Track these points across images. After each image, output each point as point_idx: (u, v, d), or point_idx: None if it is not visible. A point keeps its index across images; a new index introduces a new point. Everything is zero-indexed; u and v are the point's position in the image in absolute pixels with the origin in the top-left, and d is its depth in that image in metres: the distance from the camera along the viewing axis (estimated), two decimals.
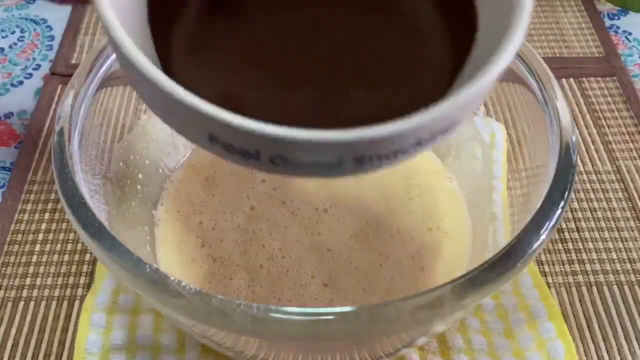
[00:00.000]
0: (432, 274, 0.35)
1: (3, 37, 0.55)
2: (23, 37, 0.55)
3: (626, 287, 0.39)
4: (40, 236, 0.41)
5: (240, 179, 0.40)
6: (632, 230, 0.42)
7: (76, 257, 0.40)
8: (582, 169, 0.45)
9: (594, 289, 0.39)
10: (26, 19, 0.57)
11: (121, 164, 0.37)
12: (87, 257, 0.40)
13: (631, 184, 0.44)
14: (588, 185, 0.44)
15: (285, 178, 0.40)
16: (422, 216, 0.38)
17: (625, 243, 0.41)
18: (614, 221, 0.42)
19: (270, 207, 0.38)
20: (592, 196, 0.44)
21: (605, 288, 0.39)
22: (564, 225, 0.42)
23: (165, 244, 0.37)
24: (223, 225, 0.38)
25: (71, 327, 0.37)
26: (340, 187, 0.40)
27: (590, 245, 0.41)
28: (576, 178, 0.38)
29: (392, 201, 0.39)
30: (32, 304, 0.38)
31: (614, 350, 0.36)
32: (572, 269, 0.40)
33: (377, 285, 0.35)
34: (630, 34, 0.56)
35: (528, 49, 0.34)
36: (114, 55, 0.34)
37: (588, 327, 0.37)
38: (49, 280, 0.39)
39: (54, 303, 0.38)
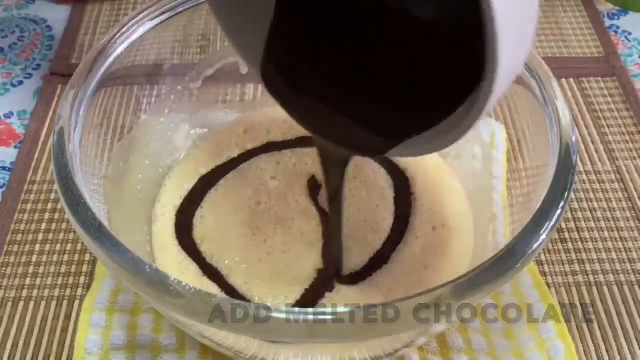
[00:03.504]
0: (435, 273, 0.35)
1: (3, 37, 0.55)
2: (23, 37, 0.55)
3: (626, 287, 0.39)
4: (40, 236, 0.41)
5: (246, 175, 0.40)
6: (632, 230, 0.42)
7: (76, 257, 0.40)
8: (582, 169, 0.45)
9: (594, 289, 0.39)
10: (26, 19, 0.57)
11: (121, 163, 0.37)
12: (87, 257, 0.40)
13: (631, 184, 0.44)
14: (588, 185, 0.44)
15: (296, 177, 0.40)
16: (427, 215, 0.38)
17: (625, 243, 0.41)
18: (614, 221, 0.42)
19: (278, 203, 0.38)
20: (592, 196, 0.44)
21: (605, 288, 0.39)
22: (563, 225, 0.42)
23: (162, 241, 0.37)
24: (226, 220, 0.38)
25: (71, 327, 0.37)
26: (347, 185, 0.39)
27: (590, 245, 0.41)
28: (576, 178, 0.38)
29: (397, 200, 0.39)
30: (32, 304, 0.38)
31: (613, 350, 0.36)
32: (572, 269, 0.40)
33: (380, 285, 0.35)
34: (630, 34, 0.56)
35: None
36: (113, 55, 0.34)
37: (588, 327, 0.37)
38: (49, 280, 0.39)
39: (54, 303, 0.38)
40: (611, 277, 0.39)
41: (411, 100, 0.25)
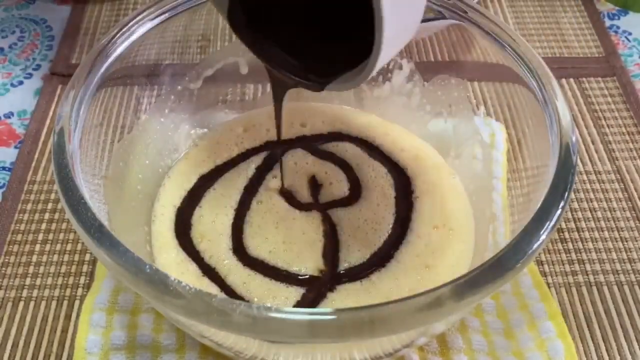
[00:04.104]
0: (436, 272, 0.35)
1: (3, 37, 0.55)
2: (23, 37, 0.55)
3: (626, 287, 0.39)
4: (40, 236, 0.41)
5: (246, 175, 0.40)
6: (632, 230, 0.42)
7: (76, 257, 0.40)
8: (582, 169, 0.45)
9: (594, 289, 0.39)
10: (26, 19, 0.57)
11: (121, 163, 0.37)
12: (87, 257, 0.40)
13: (631, 184, 0.44)
14: (588, 185, 0.44)
15: (297, 176, 0.40)
16: (429, 214, 0.38)
17: (625, 243, 0.41)
18: (614, 221, 0.42)
19: (279, 202, 0.38)
20: (592, 196, 0.44)
21: (605, 288, 0.39)
22: (563, 225, 0.42)
23: (161, 241, 0.37)
24: (224, 219, 0.38)
25: (71, 327, 0.37)
26: (347, 185, 0.40)
27: (590, 245, 0.41)
28: (576, 178, 0.38)
29: (397, 199, 0.39)
30: (32, 304, 0.38)
31: (613, 350, 0.36)
32: (572, 269, 0.40)
33: (381, 285, 0.35)
34: (630, 33, 0.56)
35: (528, 48, 0.34)
36: (113, 56, 0.34)
37: (588, 327, 0.37)
38: (49, 280, 0.39)
39: (54, 303, 0.38)
40: (611, 277, 0.39)
41: (331, 52, 0.32)
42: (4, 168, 0.45)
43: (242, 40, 0.34)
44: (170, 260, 0.36)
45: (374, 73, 0.28)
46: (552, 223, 0.28)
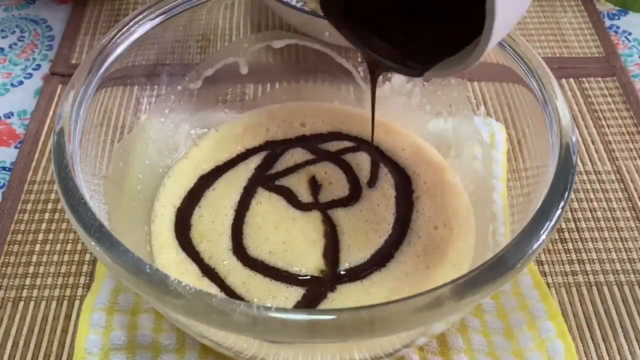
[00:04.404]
0: (437, 272, 0.35)
1: (3, 37, 0.55)
2: (23, 37, 0.55)
3: (626, 287, 0.39)
4: (40, 236, 0.41)
5: (246, 175, 0.40)
6: (632, 230, 0.42)
7: (76, 257, 0.40)
8: (582, 169, 0.45)
9: (594, 288, 0.39)
10: (26, 19, 0.57)
11: (121, 163, 0.37)
12: (87, 257, 0.40)
13: (631, 184, 0.44)
14: (588, 185, 0.44)
15: (297, 176, 0.40)
16: (429, 214, 0.38)
17: (625, 243, 0.41)
18: (614, 221, 0.42)
19: (279, 203, 0.38)
20: (592, 196, 0.44)
21: (605, 288, 0.39)
22: (563, 225, 0.42)
23: (161, 240, 0.37)
24: (224, 220, 0.38)
25: (71, 327, 0.37)
26: (347, 185, 0.40)
27: (590, 245, 0.41)
28: (576, 178, 0.38)
29: (398, 199, 0.39)
30: (32, 304, 0.38)
31: (613, 350, 0.36)
32: (572, 269, 0.40)
33: (381, 285, 0.35)
34: (630, 33, 0.56)
35: (528, 48, 0.34)
36: (113, 55, 0.34)
37: (588, 327, 0.37)
38: (49, 280, 0.39)
39: (54, 303, 0.38)
40: (611, 277, 0.39)
41: (436, 36, 0.32)
42: (4, 168, 0.45)
43: (337, 28, 0.34)
44: (170, 260, 0.36)
45: (481, 58, 0.27)
46: (552, 223, 0.28)
